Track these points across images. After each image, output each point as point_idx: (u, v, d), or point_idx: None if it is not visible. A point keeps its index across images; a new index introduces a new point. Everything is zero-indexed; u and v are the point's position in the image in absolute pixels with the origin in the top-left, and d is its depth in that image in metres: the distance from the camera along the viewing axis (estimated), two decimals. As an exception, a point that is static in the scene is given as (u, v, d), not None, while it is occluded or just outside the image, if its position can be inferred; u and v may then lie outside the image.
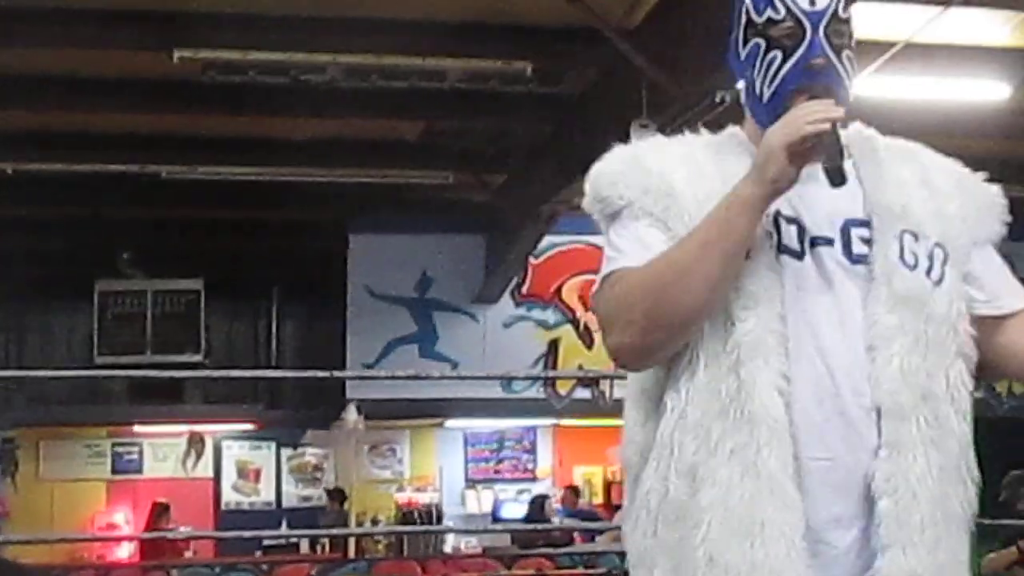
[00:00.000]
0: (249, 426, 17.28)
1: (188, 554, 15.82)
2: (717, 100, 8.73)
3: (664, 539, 2.53)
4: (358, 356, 15.01)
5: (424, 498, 17.30)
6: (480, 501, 17.52)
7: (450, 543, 16.20)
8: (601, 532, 13.77)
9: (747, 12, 2.61)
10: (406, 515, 16.83)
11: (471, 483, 17.86)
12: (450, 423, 17.13)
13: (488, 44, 9.76)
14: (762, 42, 2.58)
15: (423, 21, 9.55)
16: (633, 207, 2.61)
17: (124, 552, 16.29)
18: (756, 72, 2.61)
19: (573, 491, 16.61)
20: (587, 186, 2.72)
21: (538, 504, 15.62)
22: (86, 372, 13.91)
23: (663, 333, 2.53)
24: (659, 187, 2.60)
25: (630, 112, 8.94)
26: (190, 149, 12.41)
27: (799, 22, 2.53)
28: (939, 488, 2.49)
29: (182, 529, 15.18)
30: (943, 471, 2.50)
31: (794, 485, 2.43)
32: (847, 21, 2.56)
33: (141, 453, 17.67)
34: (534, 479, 17.56)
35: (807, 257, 2.53)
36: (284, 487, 17.88)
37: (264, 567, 13.57)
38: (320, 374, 9.71)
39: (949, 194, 2.62)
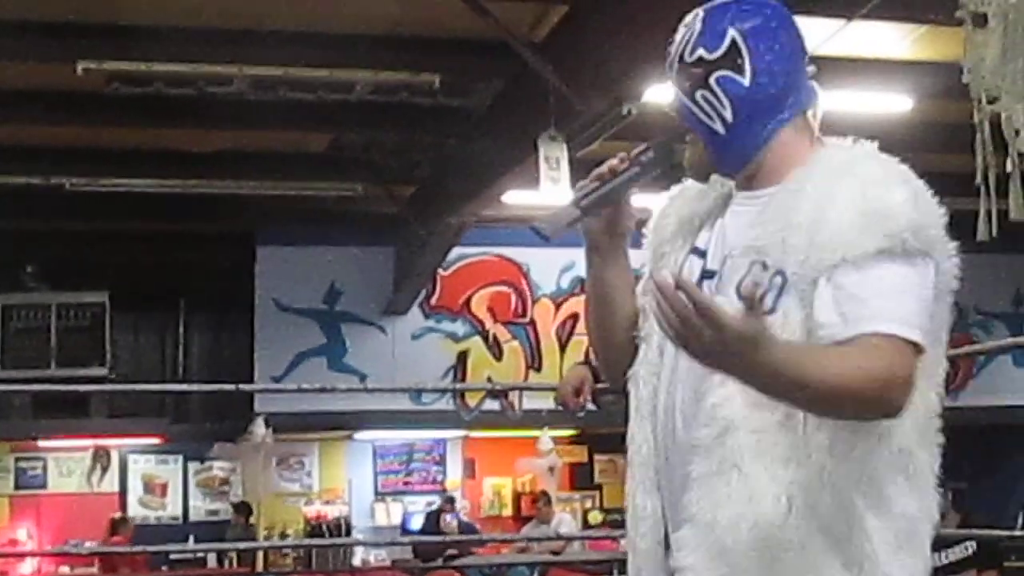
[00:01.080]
0: (155, 440, 17.14)
1: (92, 571, 15.67)
2: (624, 112, 8.78)
3: None
4: (266, 369, 14.95)
5: (333, 511, 17.24)
6: (389, 513, 17.48)
7: (359, 556, 16.15)
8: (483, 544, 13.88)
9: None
10: (315, 528, 16.77)
11: (380, 496, 17.81)
12: (359, 435, 17.08)
13: (396, 56, 9.76)
14: None
15: (331, 33, 9.54)
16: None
17: (28, 568, 16.12)
18: None
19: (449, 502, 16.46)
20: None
21: (434, 517, 15.64)
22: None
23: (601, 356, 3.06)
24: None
25: (538, 124, 8.96)
26: (95, 161, 12.31)
27: (667, 70, 2.76)
28: (739, 510, 2.56)
29: (87, 544, 15.03)
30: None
31: (653, 499, 2.74)
32: (697, 63, 2.70)
33: (45, 468, 17.48)
34: (444, 491, 17.54)
35: (715, 278, 2.69)
36: (191, 501, 17.75)
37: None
38: (227, 387, 9.67)
39: (826, 220, 2.58)
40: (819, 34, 8.26)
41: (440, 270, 15.13)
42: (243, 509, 16.79)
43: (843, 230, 2.55)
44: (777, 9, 2.74)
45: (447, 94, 10.29)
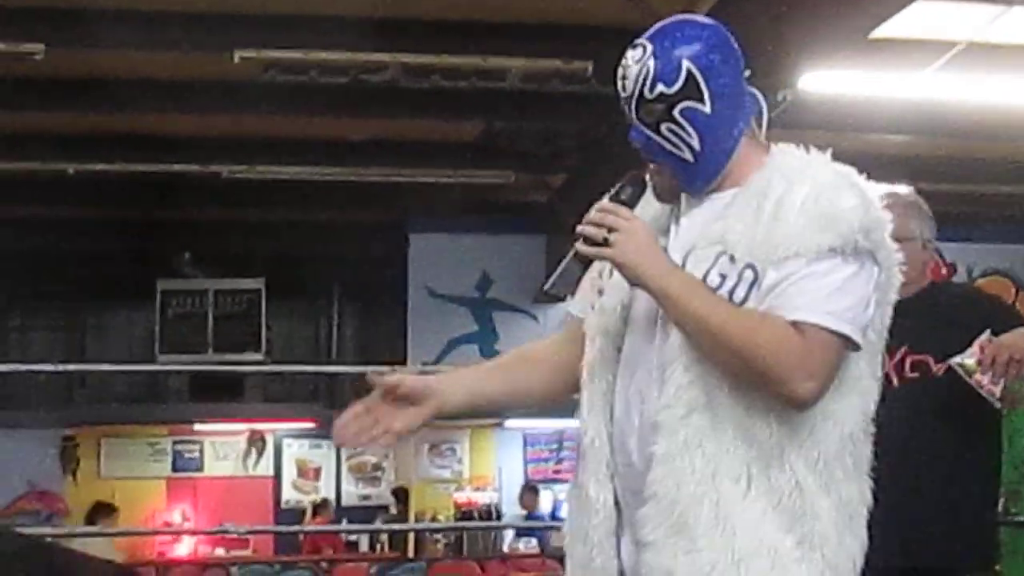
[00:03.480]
0: (309, 425, 17.33)
1: (247, 552, 15.92)
2: (778, 99, 8.68)
3: None
4: (418, 356, 15.02)
5: (483, 498, 17.29)
6: (540, 502, 17.49)
7: (508, 544, 16.18)
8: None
9: None
10: (465, 515, 16.83)
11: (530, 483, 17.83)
12: (509, 423, 17.11)
13: (548, 43, 9.74)
14: None
15: (483, 21, 9.55)
16: None
17: (184, 549, 16.39)
18: None
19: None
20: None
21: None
22: (146, 367, 14.03)
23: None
24: None
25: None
26: (251, 149, 12.45)
27: (624, 108, 2.90)
28: (701, 488, 2.72)
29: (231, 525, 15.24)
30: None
31: (605, 491, 2.88)
32: (659, 98, 2.84)
33: (202, 451, 17.75)
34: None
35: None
36: (343, 486, 17.92)
37: (323, 565, 13.61)
38: (382, 369, 9.75)
39: (782, 218, 2.77)
40: (979, 20, 8.10)
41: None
42: (401, 495, 16.93)
43: (799, 230, 2.73)
44: (715, 28, 2.91)
45: (599, 81, 10.24)
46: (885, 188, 4.73)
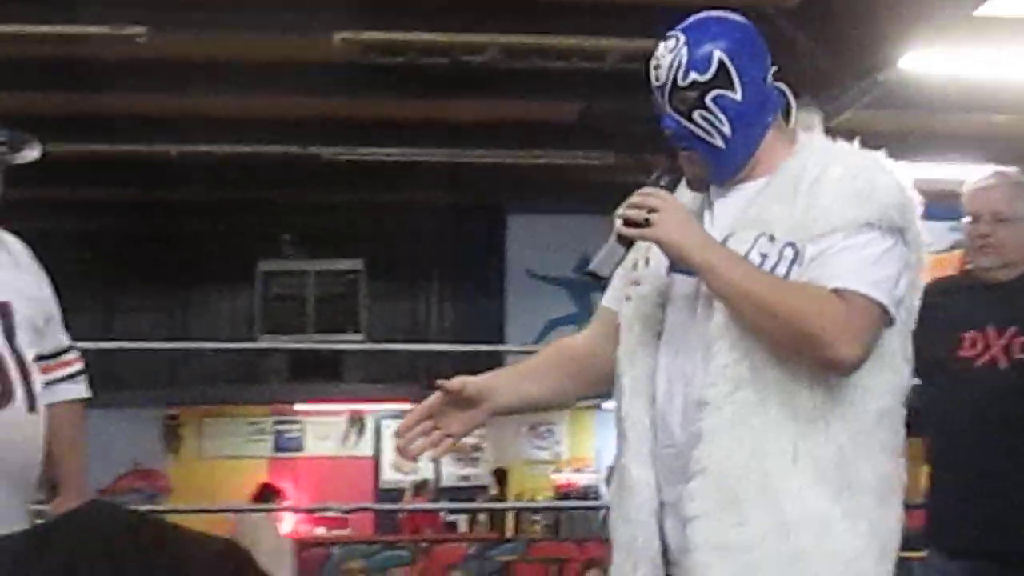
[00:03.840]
0: (408, 405, 17.32)
1: (347, 532, 16.02)
2: (880, 79, 8.59)
3: None
4: (517, 337, 15.04)
5: (582, 480, 17.30)
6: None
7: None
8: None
9: None
10: (564, 496, 16.85)
11: (629, 465, 17.77)
12: (608, 404, 17.03)
13: (647, 24, 9.69)
14: None
15: (583, 2, 9.52)
16: None
17: (286, 528, 16.51)
18: None
19: None
20: None
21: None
22: (248, 345, 14.15)
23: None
24: None
25: (792, 91, 8.80)
26: (351, 131, 12.50)
27: (656, 97, 3.02)
28: (748, 462, 2.81)
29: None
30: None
31: (647, 472, 2.96)
32: (691, 86, 2.94)
33: (302, 432, 17.89)
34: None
35: (695, 276, 2.92)
36: (443, 467, 17.98)
37: (422, 545, 13.68)
38: (483, 348, 9.82)
39: (820, 196, 2.88)
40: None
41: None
42: (499, 476, 16.98)
43: (836, 206, 2.84)
44: (742, 23, 3.04)
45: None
46: (991, 168, 4.67)
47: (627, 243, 2.95)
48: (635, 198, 2.94)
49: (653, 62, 3.02)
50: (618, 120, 12.28)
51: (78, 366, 4.06)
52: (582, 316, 15.22)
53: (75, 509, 3.42)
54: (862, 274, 2.81)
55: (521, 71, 10.35)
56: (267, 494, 13.17)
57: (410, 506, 16.22)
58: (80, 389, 4.04)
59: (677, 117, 2.98)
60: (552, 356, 3.33)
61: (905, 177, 2.95)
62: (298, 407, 17.41)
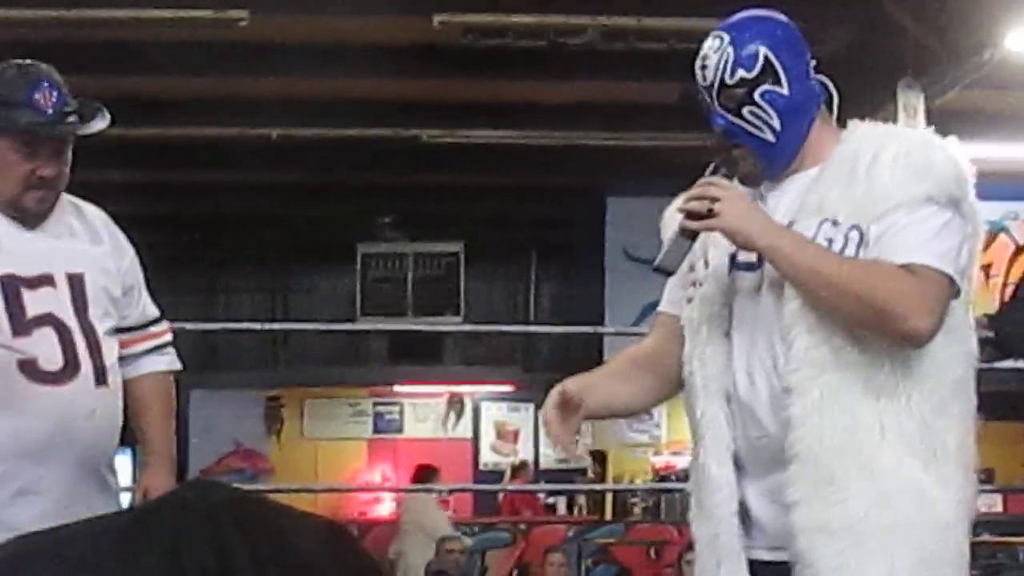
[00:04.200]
0: (507, 388, 17.43)
1: (447, 514, 16.09)
2: (985, 59, 8.48)
3: None
4: (616, 319, 15.00)
5: (681, 462, 17.23)
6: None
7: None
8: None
9: None
10: (663, 479, 16.80)
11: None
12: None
13: (749, 4, 9.63)
14: None
15: (682, -18, 9.48)
16: None
17: (386, 510, 16.61)
18: None
19: None
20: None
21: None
22: (348, 327, 14.24)
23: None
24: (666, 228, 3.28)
25: (894, 72, 8.72)
26: (450, 113, 12.53)
27: (703, 96, 3.10)
28: (841, 441, 2.89)
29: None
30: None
31: (727, 470, 3.03)
32: (740, 83, 3.03)
33: (402, 413, 17.97)
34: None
35: (758, 267, 3.03)
36: (542, 449, 18.00)
37: (521, 527, 13.70)
38: (581, 330, 9.84)
39: (878, 176, 2.95)
40: None
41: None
42: (598, 459, 16.98)
43: (895, 184, 2.92)
44: (782, 21, 3.12)
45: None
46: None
47: (691, 236, 3.04)
48: (696, 190, 3.03)
49: (699, 63, 3.12)
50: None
51: (165, 338, 4.02)
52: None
53: (178, 487, 3.46)
54: (928, 247, 2.88)
55: (620, 53, 10.32)
56: (427, 473, 13.38)
57: (509, 487, 16.25)
58: (166, 361, 4.00)
59: (726, 115, 3.06)
60: (630, 359, 3.39)
61: (957, 151, 3.01)
62: (397, 389, 17.50)
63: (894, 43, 8.82)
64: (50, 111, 3.60)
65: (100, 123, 3.73)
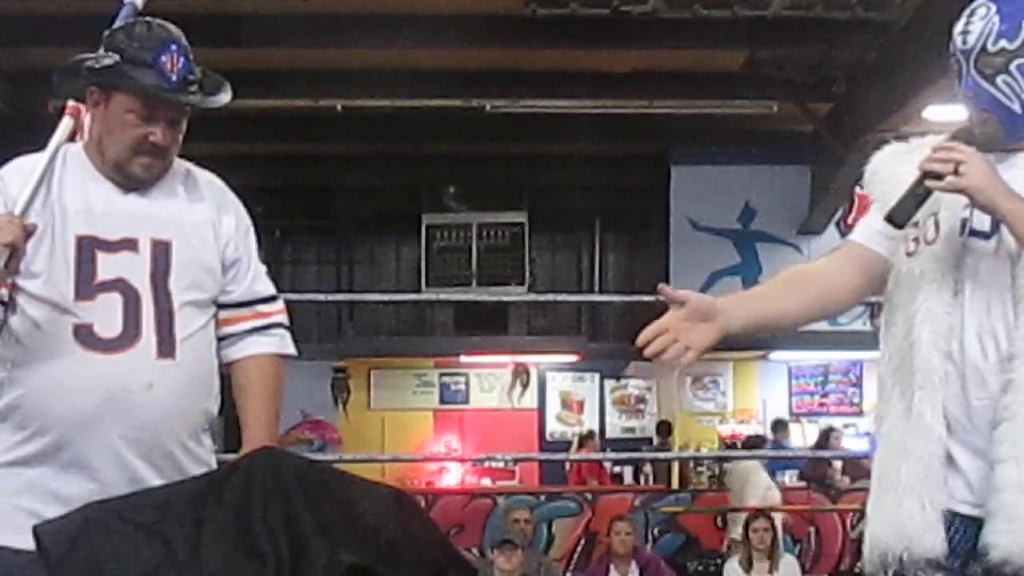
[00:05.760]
0: (572, 358, 17.44)
1: (513, 483, 16.13)
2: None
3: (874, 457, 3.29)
4: (681, 288, 14.88)
5: (747, 431, 17.21)
6: (805, 435, 17.31)
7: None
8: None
9: None
10: (729, 447, 16.78)
11: (795, 416, 17.66)
12: (774, 355, 16.96)
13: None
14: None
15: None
16: (873, 194, 3.41)
17: (452, 479, 16.68)
18: None
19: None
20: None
21: (823, 437, 15.50)
22: (413, 296, 14.30)
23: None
24: (889, 183, 3.32)
25: (961, 36, 8.62)
26: (514, 83, 12.52)
27: (959, 60, 3.15)
28: None
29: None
30: None
31: (938, 421, 3.11)
32: (1000, 52, 3.10)
33: (467, 384, 18.01)
34: (860, 413, 17.26)
35: (993, 237, 3.12)
36: (607, 419, 18.02)
37: (588, 497, 13.72)
38: (647, 299, 9.79)
39: None
40: None
41: (858, 188, 14.82)
42: (664, 429, 16.97)
43: None
44: None
45: (865, 7, 10.06)
46: None
47: (926, 194, 3.12)
48: (939, 153, 3.11)
49: (959, 27, 3.18)
50: (781, 68, 12.17)
51: (275, 318, 3.81)
52: (747, 267, 15.13)
53: (247, 455, 3.46)
54: None
55: (684, 20, 10.29)
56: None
57: (573, 456, 16.26)
58: (273, 342, 3.79)
59: (980, 80, 3.13)
60: (786, 278, 3.50)
61: None
62: (463, 359, 17.53)
63: (958, 10, 8.74)
64: (174, 77, 3.46)
65: (224, 97, 3.64)
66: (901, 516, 3.14)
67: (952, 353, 3.13)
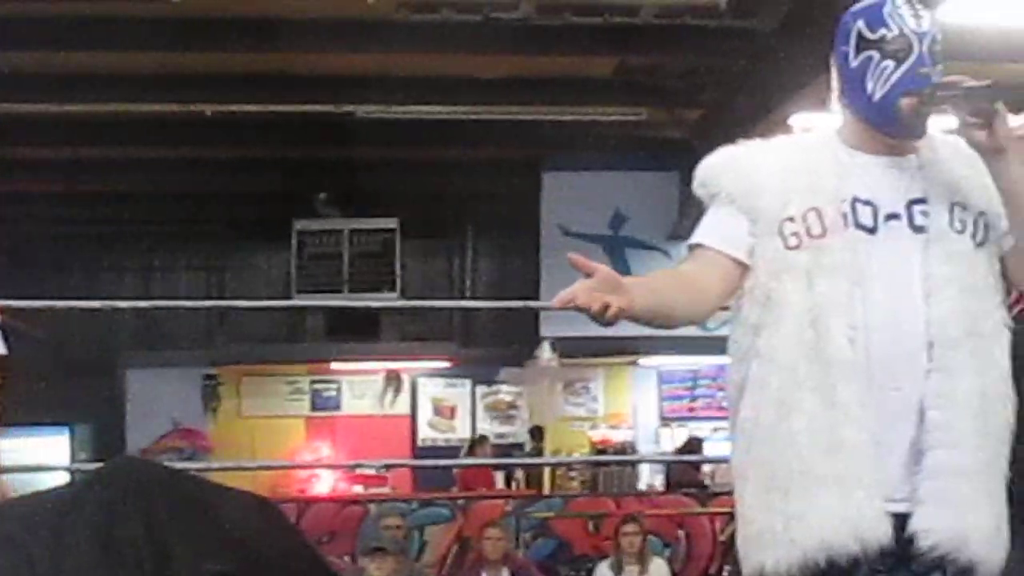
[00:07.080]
0: (444, 364, 17.43)
1: (385, 489, 16.07)
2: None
3: (756, 456, 3.21)
4: (552, 294, 14.86)
5: (618, 436, 17.30)
6: (675, 439, 17.44)
7: (644, 481, 16.18)
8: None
9: (859, 30, 3.34)
10: (600, 453, 16.86)
11: (665, 421, 17.79)
12: (644, 361, 17.08)
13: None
14: (875, 54, 3.27)
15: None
16: (721, 195, 3.37)
17: (324, 487, 16.59)
18: (868, 78, 3.27)
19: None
20: (695, 173, 3.47)
21: (687, 445, 15.69)
22: (284, 303, 14.20)
23: None
24: (746, 182, 3.34)
25: (827, 44, 8.72)
26: (385, 89, 12.48)
27: (908, 40, 3.23)
28: (980, 405, 3.14)
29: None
30: (984, 393, 3.16)
31: (865, 411, 3.10)
32: (940, 43, 3.26)
33: (339, 390, 17.94)
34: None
35: (880, 231, 3.19)
36: (479, 424, 18.02)
37: (460, 503, 13.70)
38: (518, 305, 9.84)
39: (984, 173, 3.21)
40: None
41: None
42: (536, 434, 17.02)
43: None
44: None
45: (734, 15, 10.13)
46: None
47: (950, 108, 3.20)
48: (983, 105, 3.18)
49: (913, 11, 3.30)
50: (652, 75, 12.24)
51: None
52: (618, 272, 15.15)
53: (108, 464, 3.41)
54: None
55: (555, 27, 10.31)
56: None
57: (443, 461, 16.23)
58: None
59: (930, 61, 3.24)
60: (669, 278, 3.55)
61: None
62: (335, 366, 17.46)
63: (825, 18, 8.85)
64: None
65: None
66: (849, 509, 3.08)
67: (858, 343, 3.13)
